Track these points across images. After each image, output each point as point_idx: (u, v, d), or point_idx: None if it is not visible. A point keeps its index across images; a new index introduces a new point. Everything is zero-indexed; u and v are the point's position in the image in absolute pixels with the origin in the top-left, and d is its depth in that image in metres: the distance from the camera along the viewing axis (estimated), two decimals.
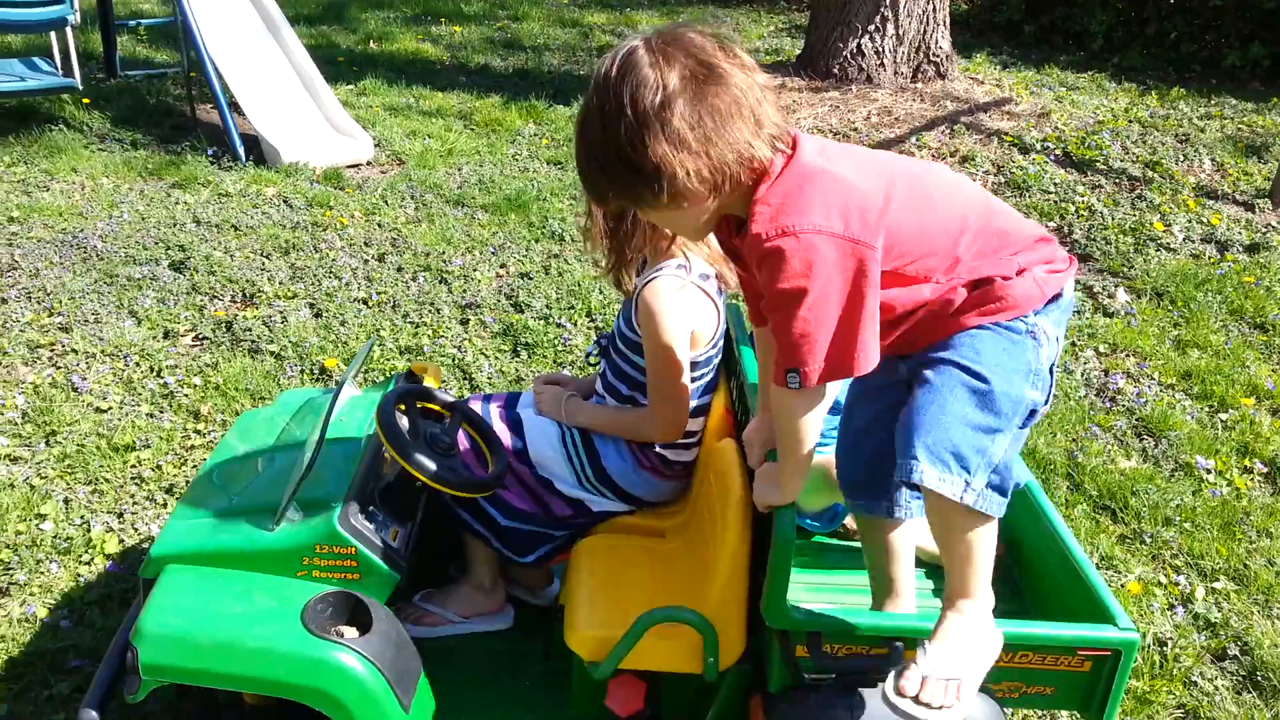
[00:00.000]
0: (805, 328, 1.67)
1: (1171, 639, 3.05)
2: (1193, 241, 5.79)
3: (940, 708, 1.72)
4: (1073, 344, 4.73)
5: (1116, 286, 5.28)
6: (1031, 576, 2.27)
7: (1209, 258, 5.65)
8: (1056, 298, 1.86)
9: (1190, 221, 5.95)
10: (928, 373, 1.81)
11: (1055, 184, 6.30)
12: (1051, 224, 5.90)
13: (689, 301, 2.34)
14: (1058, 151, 6.75)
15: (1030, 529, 2.28)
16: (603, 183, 1.71)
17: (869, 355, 1.71)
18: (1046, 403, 1.88)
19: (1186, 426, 4.13)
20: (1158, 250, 5.65)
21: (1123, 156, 6.74)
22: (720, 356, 2.50)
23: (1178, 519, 3.58)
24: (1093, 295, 5.20)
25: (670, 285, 2.32)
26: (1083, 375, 4.48)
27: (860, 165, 1.77)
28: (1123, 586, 3.23)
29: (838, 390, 2.31)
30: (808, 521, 2.39)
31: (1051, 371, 1.87)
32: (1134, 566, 3.35)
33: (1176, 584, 3.31)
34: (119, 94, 7.45)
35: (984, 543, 1.81)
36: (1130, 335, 4.81)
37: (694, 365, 2.39)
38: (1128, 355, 4.69)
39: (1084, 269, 5.51)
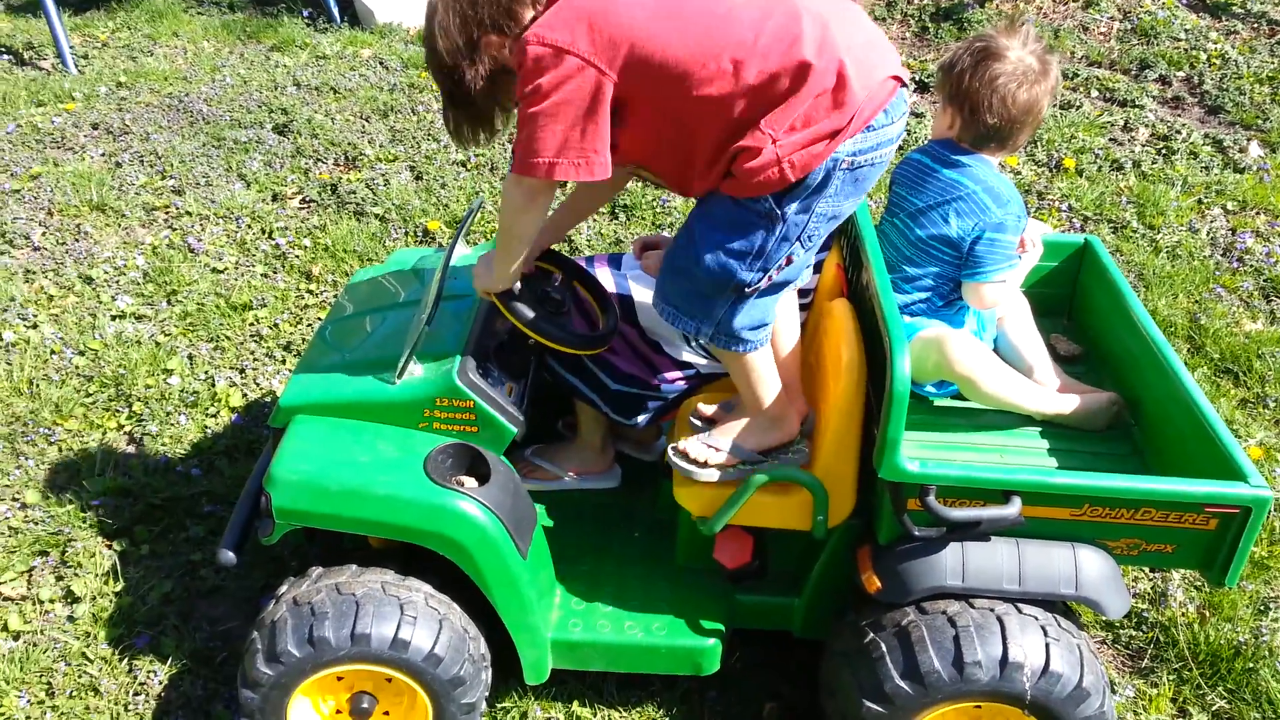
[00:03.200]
0: (535, 125, 1.77)
1: None
2: None
3: (695, 463, 2.15)
4: (1199, 201, 4.49)
5: (1249, 140, 4.96)
6: (1155, 435, 2.21)
7: None
8: (821, 178, 1.81)
9: None
10: (684, 227, 1.95)
11: (1185, 31, 5.87)
12: (1180, 74, 5.53)
13: None
14: None
15: (1156, 387, 2.20)
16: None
17: (593, 166, 1.80)
18: (781, 276, 1.93)
19: None
20: None
21: None
22: None
23: None
24: (1222, 150, 4.90)
25: None
26: (1208, 234, 4.26)
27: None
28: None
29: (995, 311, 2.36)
30: (927, 389, 2.35)
31: (799, 246, 1.90)
32: (1256, 431, 3.24)
33: None
34: None
35: (750, 368, 2.06)
36: (1262, 192, 4.53)
37: None
38: (1258, 213, 4.44)
39: (1213, 122, 5.19)
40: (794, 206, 1.82)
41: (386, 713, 2.19)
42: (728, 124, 1.78)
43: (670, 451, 2.20)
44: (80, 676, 2.48)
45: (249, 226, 4.22)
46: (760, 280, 1.90)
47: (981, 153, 2.24)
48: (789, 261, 1.91)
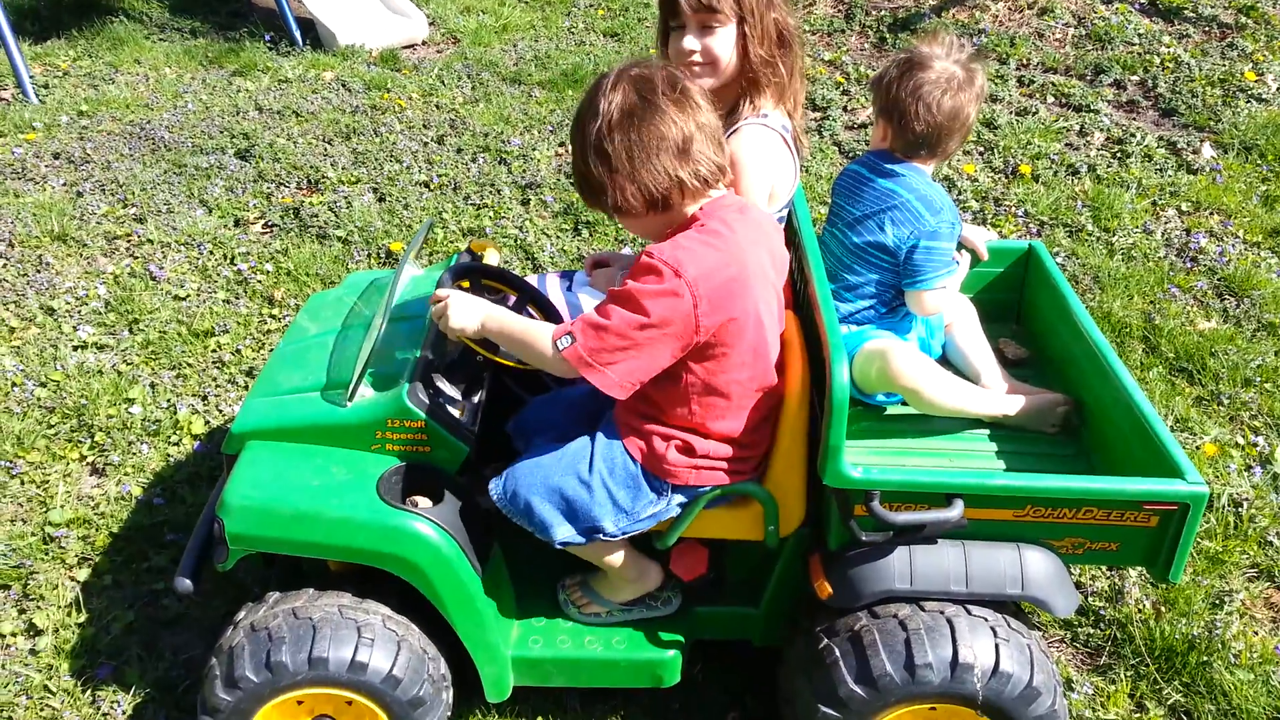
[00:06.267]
0: (617, 329, 1.84)
1: (1248, 500, 3.01)
2: None
3: (577, 605, 2.33)
4: (1153, 204, 4.55)
5: (1202, 142, 5.04)
6: (1099, 435, 2.24)
7: None
8: (703, 492, 2.09)
9: None
10: (581, 448, 2.09)
11: (1139, 35, 5.96)
12: (1135, 78, 5.61)
13: (775, 153, 2.25)
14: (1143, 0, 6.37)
15: (1099, 387, 2.24)
16: (584, 189, 1.96)
17: (628, 387, 1.89)
18: (619, 536, 2.11)
19: (1271, 285, 3.98)
20: (1248, 102, 5.35)
21: (1213, 2, 6.33)
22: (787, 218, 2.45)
23: (1258, 380, 3.49)
24: (1176, 151, 4.97)
25: (758, 136, 2.23)
26: (1163, 235, 4.33)
27: (754, 243, 1.95)
28: (1198, 448, 3.18)
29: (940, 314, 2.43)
30: (877, 398, 2.38)
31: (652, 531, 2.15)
32: (1210, 428, 3.29)
33: (1255, 445, 3.24)
34: None
35: (598, 551, 2.20)
36: (1215, 192, 4.61)
37: None
38: (1211, 213, 4.51)
39: (1167, 125, 5.27)
40: (679, 500, 2.09)
41: None
42: (704, 417, 2.00)
43: (560, 590, 2.36)
44: (42, 710, 2.47)
45: (211, 253, 4.22)
46: (615, 537, 2.10)
47: (914, 161, 2.28)
48: (638, 536, 2.14)
